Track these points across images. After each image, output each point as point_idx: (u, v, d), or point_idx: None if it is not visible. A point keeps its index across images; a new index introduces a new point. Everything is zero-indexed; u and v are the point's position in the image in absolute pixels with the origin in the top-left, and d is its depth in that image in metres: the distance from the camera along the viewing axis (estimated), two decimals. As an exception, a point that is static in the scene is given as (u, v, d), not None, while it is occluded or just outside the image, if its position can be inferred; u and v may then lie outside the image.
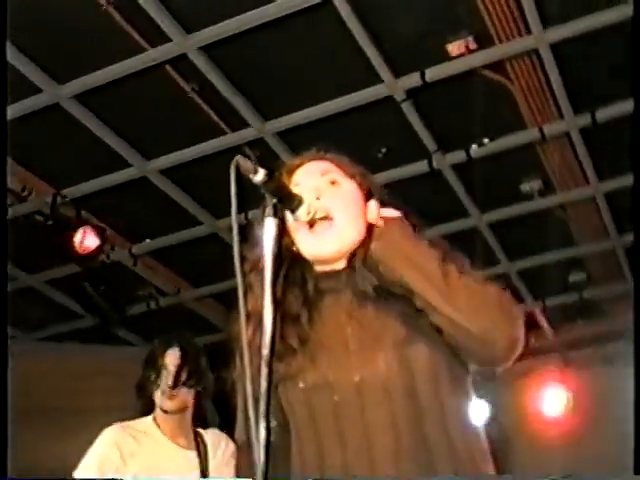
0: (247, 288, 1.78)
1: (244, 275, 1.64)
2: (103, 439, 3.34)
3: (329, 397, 1.77)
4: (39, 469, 5.99)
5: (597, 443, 7.10)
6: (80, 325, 6.82)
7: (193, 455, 3.43)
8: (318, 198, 1.83)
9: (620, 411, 7.11)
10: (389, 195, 1.98)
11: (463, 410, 1.81)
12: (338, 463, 1.74)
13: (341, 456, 1.74)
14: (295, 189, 1.84)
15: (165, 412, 3.41)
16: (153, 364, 3.48)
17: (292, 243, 1.89)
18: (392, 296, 1.80)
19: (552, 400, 7.42)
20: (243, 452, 1.88)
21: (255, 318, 1.73)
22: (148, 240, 5.98)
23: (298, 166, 1.95)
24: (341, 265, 1.88)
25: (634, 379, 2.88)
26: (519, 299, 7.03)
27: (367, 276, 1.82)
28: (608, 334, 7.69)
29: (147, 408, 3.50)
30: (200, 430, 3.51)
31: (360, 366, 1.77)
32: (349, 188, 1.91)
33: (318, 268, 1.91)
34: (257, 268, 1.82)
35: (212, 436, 3.50)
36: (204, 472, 3.41)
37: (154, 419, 3.46)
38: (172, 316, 6.85)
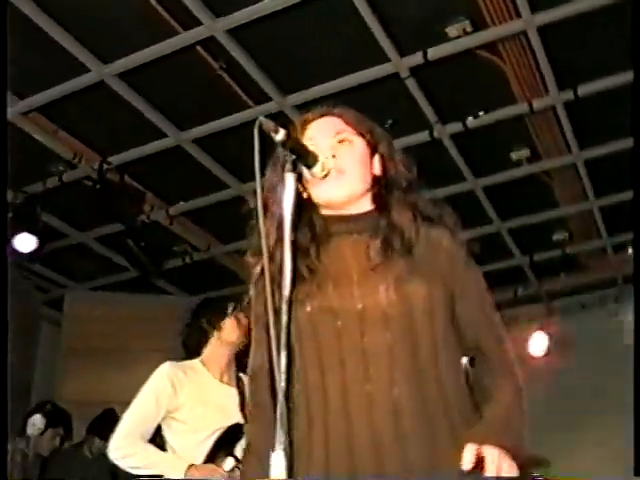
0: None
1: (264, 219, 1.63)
2: (158, 373, 3.38)
3: (332, 321, 1.75)
4: (87, 399, 6.09)
5: (575, 377, 7.16)
6: (124, 277, 6.88)
7: (234, 391, 3.49)
8: (333, 156, 1.83)
9: (595, 350, 7.18)
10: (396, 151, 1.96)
11: (453, 346, 1.79)
12: (338, 384, 1.73)
13: (341, 377, 1.72)
14: (309, 143, 1.83)
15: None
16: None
17: (303, 190, 1.86)
18: (401, 250, 1.80)
19: (537, 342, 7.44)
20: (254, 379, 1.90)
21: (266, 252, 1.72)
22: (182, 202, 6.00)
23: (311, 120, 1.93)
24: (348, 211, 1.88)
25: (634, 379, 2.80)
26: (509, 255, 7.04)
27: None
28: (586, 285, 7.71)
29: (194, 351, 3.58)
30: (241, 374, 3.57)
31: (362, 295, 1.75)
32: (359, 145, 1.90)
33: (324, 212, 1.89)
34: (266, 208, 1.80)
35: None
36: (243, 405, 3.47)
37: (201, 360, 3.52)
38: (204, 269, 6.90)
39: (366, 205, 1.90)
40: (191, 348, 3.58)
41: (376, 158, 1.92)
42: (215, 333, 3.51)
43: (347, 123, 1.91)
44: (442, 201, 1.93)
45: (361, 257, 1.82)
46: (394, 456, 1.66)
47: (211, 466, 3.31)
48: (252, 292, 1.89)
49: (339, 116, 1.93)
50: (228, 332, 3.51)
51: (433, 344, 1.74)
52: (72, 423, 5.28)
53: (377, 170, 1.91)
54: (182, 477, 3.24)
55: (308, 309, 1.77)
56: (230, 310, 3.52)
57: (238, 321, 3.51)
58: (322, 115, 1.94)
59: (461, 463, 1.57)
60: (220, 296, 3.73)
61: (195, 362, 3.51)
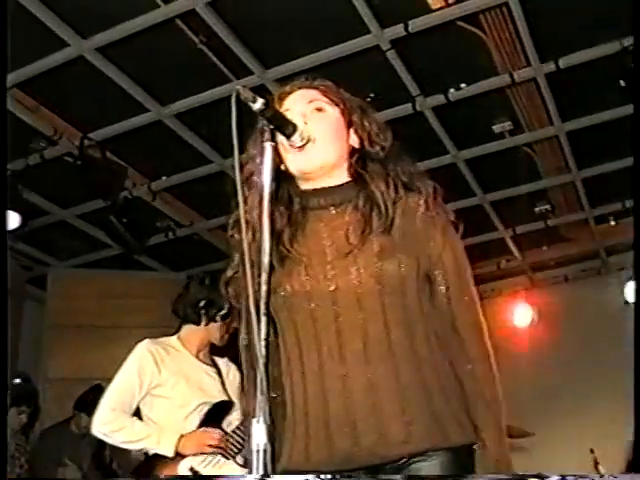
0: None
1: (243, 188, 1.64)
2: (139, 349, 3.38)
3: (307, 304, 1.77)
4: (73, 376, 6.10)
5: (558, 348, 7.26)
6: (107, 253, 6.87)
7: (213, 370, 3.51)
8: (305, 123, 1.82)
9: (576, 321, 7.26)
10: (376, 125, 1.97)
11: (433, 321, 1.80)
12: (315, 364, 1.75)
13: (317, 358, 1.75)
14: (285, 114, 1.83)
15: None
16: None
17: (281, 163, 1.85)
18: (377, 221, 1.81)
19: (521, 314, 7.52)
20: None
21: (247, 226, 1.73)
22: (165, 177, 5.97)
23: (289, 93, 1.93)
24: (325, 183, 1.88)
25: (634, 379, 2.84)
26: (492, 227, 7.08)
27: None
28: (569, 257, 7.78)
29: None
30: (215, 357, 3.60)
31: (335, 276, 1.76)
32: (332, 115, 1.89)
33: (303, 186, 1.89)
34: (249, 182, 1.84)
35: (223, 363, 3.58)
36: (224, 385, 3.50)
37: (178, 337, 3.53)
38: (187, 245, 6.90)
39: (343, 177, 1.89)
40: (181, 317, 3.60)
41: (352, 129, 1.92)
42: (204, 321, 3.52)
43: (323, 94, 1.91)
44: (423, 171, 1.94)
45: (337, 236, 1.82)
46: (370, 430, 1.69)
47: (202, 432, 3.32)
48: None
49: (315, 88, 1.93)
50: (215, 332, 3.52)
51: (406, 322, 1.76)
52: (38, 400, 5.31)
53: (354, 142, 1.91)
54: (173, 448, 3.27)
55: (282, 293, 1.79)
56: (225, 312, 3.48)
57: (227, 327, 3.50)
58: (299, 88, 1.94)
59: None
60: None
61: (173, 339, 3.52)
